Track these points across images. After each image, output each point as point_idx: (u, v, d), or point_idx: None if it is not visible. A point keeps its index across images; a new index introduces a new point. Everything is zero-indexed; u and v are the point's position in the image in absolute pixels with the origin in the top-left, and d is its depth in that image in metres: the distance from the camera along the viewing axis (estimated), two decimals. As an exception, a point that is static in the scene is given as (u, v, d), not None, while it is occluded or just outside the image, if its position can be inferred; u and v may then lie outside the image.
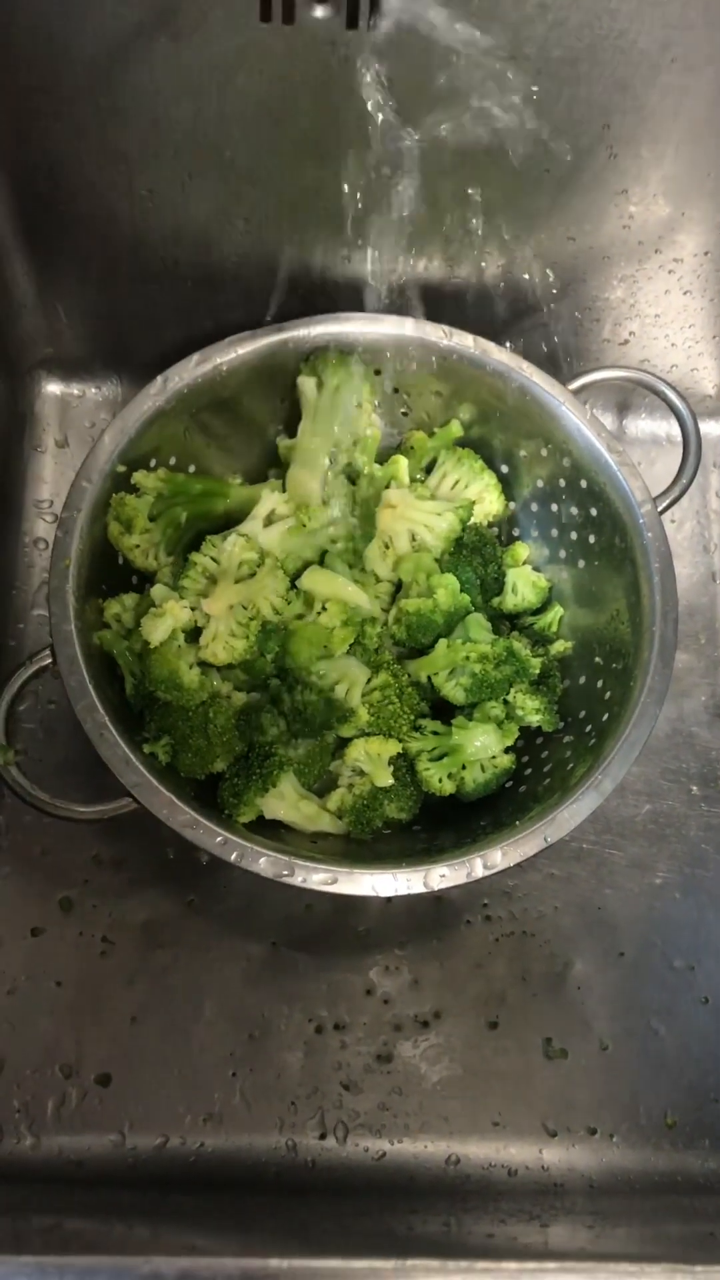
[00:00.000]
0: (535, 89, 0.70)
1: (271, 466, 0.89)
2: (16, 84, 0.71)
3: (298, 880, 0.70)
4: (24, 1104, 0.78)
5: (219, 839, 0.70)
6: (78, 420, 0.96)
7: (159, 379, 0.80)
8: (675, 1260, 0.45)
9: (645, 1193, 0.78)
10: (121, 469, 0.78)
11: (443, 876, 0.71)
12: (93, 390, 0.97)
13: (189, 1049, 0.80)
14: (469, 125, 0.72)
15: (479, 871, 0.71)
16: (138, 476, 0.79)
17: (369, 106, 0.62)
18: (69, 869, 0.84)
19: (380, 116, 0.64)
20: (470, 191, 0.78)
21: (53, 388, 0.96)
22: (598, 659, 0.83)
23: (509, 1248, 0.61)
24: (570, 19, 0.66)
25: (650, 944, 0.86)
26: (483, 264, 0.85)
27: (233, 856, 0.70)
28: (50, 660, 0.74)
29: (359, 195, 0.78)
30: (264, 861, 0.70)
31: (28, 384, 0.95)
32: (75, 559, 0.75)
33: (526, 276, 0.86)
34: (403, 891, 0.70)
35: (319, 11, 0.66)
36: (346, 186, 0.76)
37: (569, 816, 0.73)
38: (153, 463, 0.81)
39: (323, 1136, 0.79)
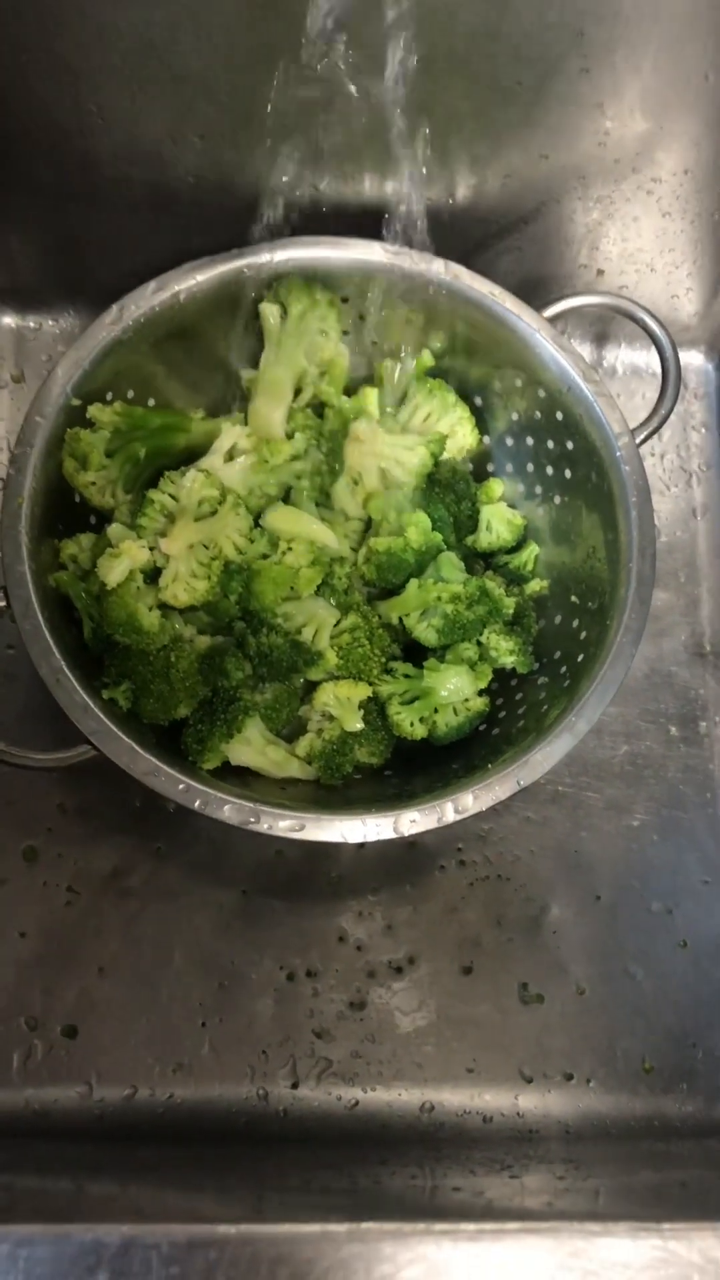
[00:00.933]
0: (504, -8, 0.66)
1: (235, 399, 0.85)
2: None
3: (264, 827, 0.68)
4: (-12, 1057, 0.77)
5: (182, 786, 0.68)
6: (34, 353, 0.92)
7: (114, 308, 0.76)
8: (642, 1217, 0.43)
9: (621, 1138, 0.77)
10: (76, 403, 0.75)
11: (413, 822, 0.69)
12: (49, 322, 0.93)
13: (158, 999, 0.79)
14: (432, 32, 0.68)
15: (450, 816, 0.69)
16: (93, 410, 0.76)
17: (324, 8, 0.57)
18: (34, 818, 0.82)
19: (333, 18, 0.60)
20: (436, 104, 0.74)
21: (7, 320, 0.92)
22: (574, 598, 0.80)
23: (470, 1205, 0.60)
24: None
25: (628, 887, 0.84)
26: (452, 184, 0.81)
27: (196, 804, 0.68)
28: (3, 604, 0.71)
29: (322, 110, 0.74)
30: (228, 809, 0.67)
31: (-19, 316, 0.91)
32: (28, 497, 0.72)
33: (499, 197, 0.82)
34: (372, 837, 0.68)
35: None
36: (307, 100, 0.72)
37: (542, 759, 0.71)
38: (109, 396, 0.78)
39: (295, 1085, 0.78)
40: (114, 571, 0.72)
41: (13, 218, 0.85)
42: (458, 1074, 0.79)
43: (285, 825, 0.68)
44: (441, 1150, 0.75)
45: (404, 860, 0.84)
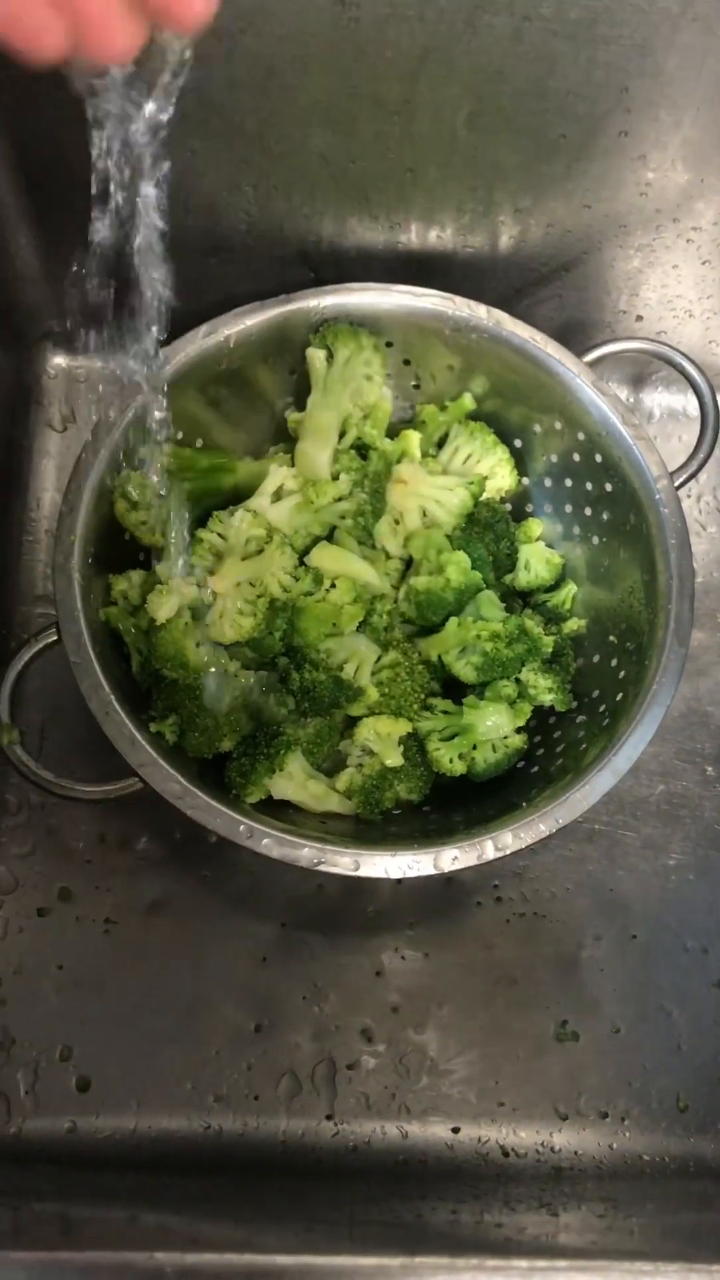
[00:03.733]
0: (551, 50, 0.68)
1: (281, 440, 0.87)
2: (18, 47, 0.70)
3: (304, 861, 0.69)
4: (30, 1085, 0.78)
5: (225, 819, 0.69)
6: (84, 394, 0.95)
7: (164, 351, 0.78)
8: (690, 1258, 0.44)
9: (656, 1178, 0.78)
10: (127, 442, 0.77)
11: (454, 859, 0.70)
12: (99, 364, 0.95)
13: (196, 1030, 0.80)
14: (481, 89, 0.70)
15: (490, 853, 0.70)
16: (144, 452, 0.77)
17: (377, 67, 0.59)
18: (77, 849, 0.83)
19: (387, 78, 0.62)
20: (484, 157, 0.76)
21: (59, 360, 0.95)
22: (612, 637, 0.82)
23: (520, 1242, 0.61)
24: (587, -23, 0.64)
25: (663, 926, 0.85)
26: (496, 232, 0.83)
27: (239, 837, 0.69)
28: (55, 638, 0.73)
29: (370, 162, 0.76)
30: (268, 842, 0.69)
31: (34, 357, 0.94)
32: (80, 535, 0.74)
33: (541, 245, 0.83)
34: (412, 873, 0.69)
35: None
36: (357, 152, 0.74)
37: (582, 798, 0.72)
38: (159, 437, 0.80)
39: (330, 1118, 0.78)
40: (163, 608, 0.74)
41: (67, 260, 0.87)
42: (492, 1110, 0.79)
43: (326, 860, 0.69)
44: (478, 1187, 0.75)
45: (440, 896, 0.85)
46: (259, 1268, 0.42)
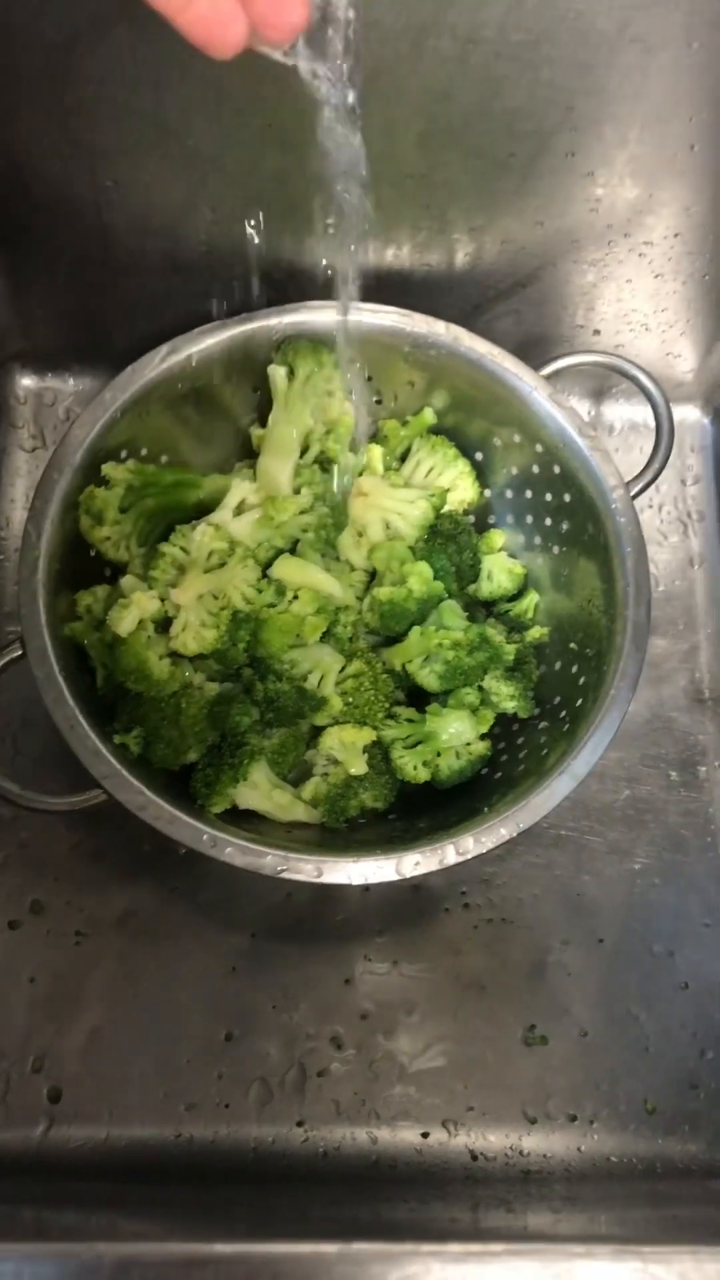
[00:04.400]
0: (496, 72, 0.70)
1: (246, 456, 0.88)
2: (-23, 76, 0.71)
3: (267, 869, 0.69)
4: (1, 1096, 0.78)
5: (188, 829, 0.70)
6: (53, 414, 0.96)
7: (128, 370, 0.79)
8: (625, 1241, 0.44)
9: (623, 1178, 0.78)
10: (91, 460, 0.78)
11: (416, 864, 0.71)
12: (67, 384, 0.97)
13: (167, 1040, 0.80)
14: (431, 108, 0.72)
15: (451, 858, 0.71)
16: (106, 468, 0.79)
17: (322, 91, 0.61)
18: (46, 860, 0.84)
19: (333, 101, 0.63)
20: (436, 176, 0.78)
21: (27, 382, 0.96)
22: (573, 644, 0.83)
23: (460, 1229, 0.61)
24: (527, 1, 0.65)
25: (630, 930, 0.86)
26: (452, 250, 0.84)
27: (203, 846, 0.70)
28: (20, 652, 0.74)
29: (322, 182, 0.77)
30: (231, 850, 0.69)
31: (2, 379, 0.95)
32: (45, 551, 0.75)
33: (496, 262, 0.85)
34: (374, 879, 0.70)
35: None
36: (309, 173, 0.76)
37: (541, 802, 0.73)
38: (124, 454, 0.81)
39: (300, 1124, 0.79)
40: (124, 621, 0.75)
41: (33, 285, 0.89)
42: (461, 1115, 0.80)
43: (290, 867, 0.70)
44: (446, 1189, 0.76)
45: (409, 904, 0.86)
46: (198, 1256, 0.43)
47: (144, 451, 0.83)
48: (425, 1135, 0.79)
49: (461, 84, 0.71)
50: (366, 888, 0.85)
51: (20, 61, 0.70)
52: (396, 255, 0.85)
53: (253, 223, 0.73)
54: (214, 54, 0.52)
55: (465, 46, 0.68)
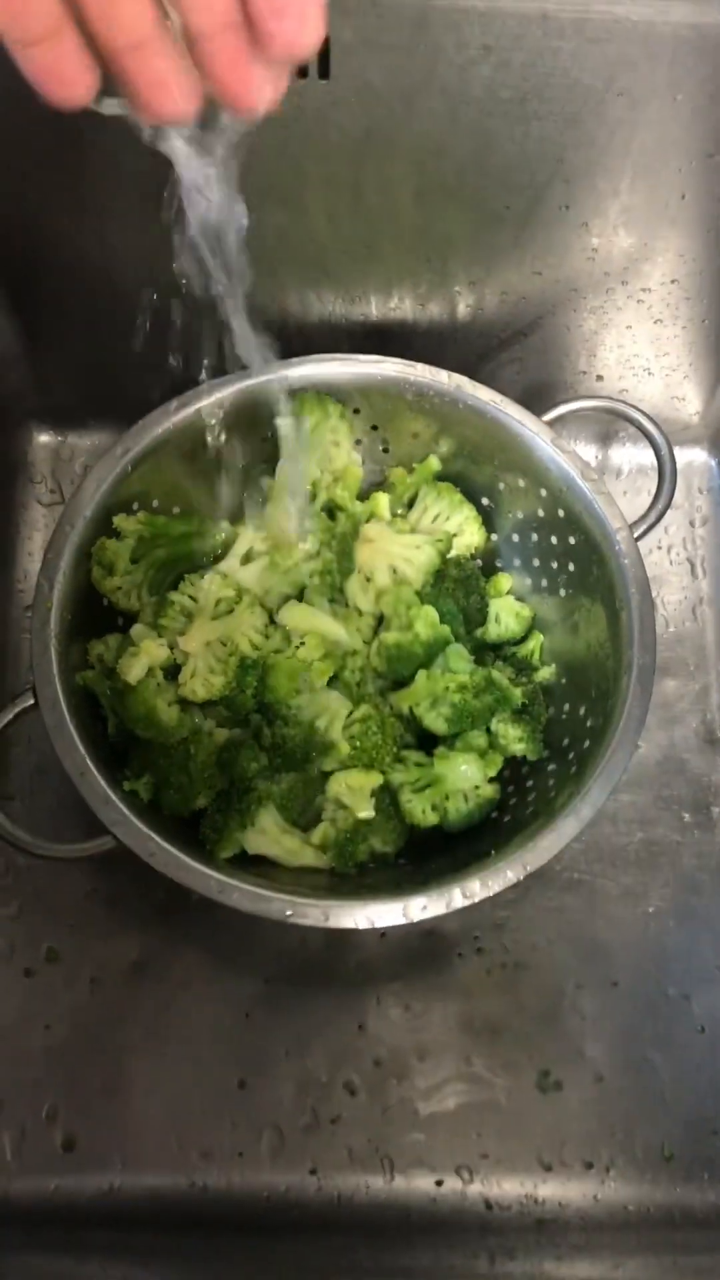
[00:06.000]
0: (487, 127, 0.71)
1: (253, 505, 0.90)
2: (-10, 145, 0.74)
3: (275, 914, 0.70)
4: (16, 1146, 0.78)
5: (197, 875, 0.71)
6: (69, 469, 0.99)
7: (138, 425, 0.81)
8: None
9: (641, 1228, 0.77)
10: (103, 512, 0.80)
11: (423, 908, 0.71)
12: (82, 438, 0.99)
13: (181, 1087, 0.80)
14: (425, 164, 0.74)
15: (458, 901, 0.71)
16: (118, 520, 0.80)
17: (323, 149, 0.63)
18: (63, 909, 0.85)
19: (333, 159, 0.66)
20: (434, 230, 0.79)
21: (44, 437, 0.99)
22: (580, 687, 0.83)
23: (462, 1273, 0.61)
24: (514, 59, 0.67)
25: (645, 973, 0.85)
26: (454, 301, 0.86)
27: (211, 892, 0.70)
28: (33, 701, 0.75)
29: (325, 239, 0.79)
30: (239, 896, 0.70)
31: (19, 435, 0.98)
32: (58, 602, 0.76)
33: (497, 312, 0.87)
34: (381, 924, 0.70)
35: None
36: (312, 230, 0.78)
37: (549, 844, 0.73)
38: (135, 505, 0.83)
39: (313, 1172, 0.79)
40: (133, 669, 0.76)
41: (48, 342, 0.91)
42: (475, 1161, 0.79)
43: (298, 912, 0.70)
44: (459, 1238, 0.75)
45: (422, 949, 0.85)
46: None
47: (156, 503, 0.84)
48: (439, 1183, 0.79)
49: (454, 140, 0.73)
50: (382, 934, 0.85)
51: (31, 128, 0.73)
52: (399, 307, 0.87)
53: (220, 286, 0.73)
54: (54, 102, 0.44)
55: (456, 105, 0.70)
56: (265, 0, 0.41)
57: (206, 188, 0.59)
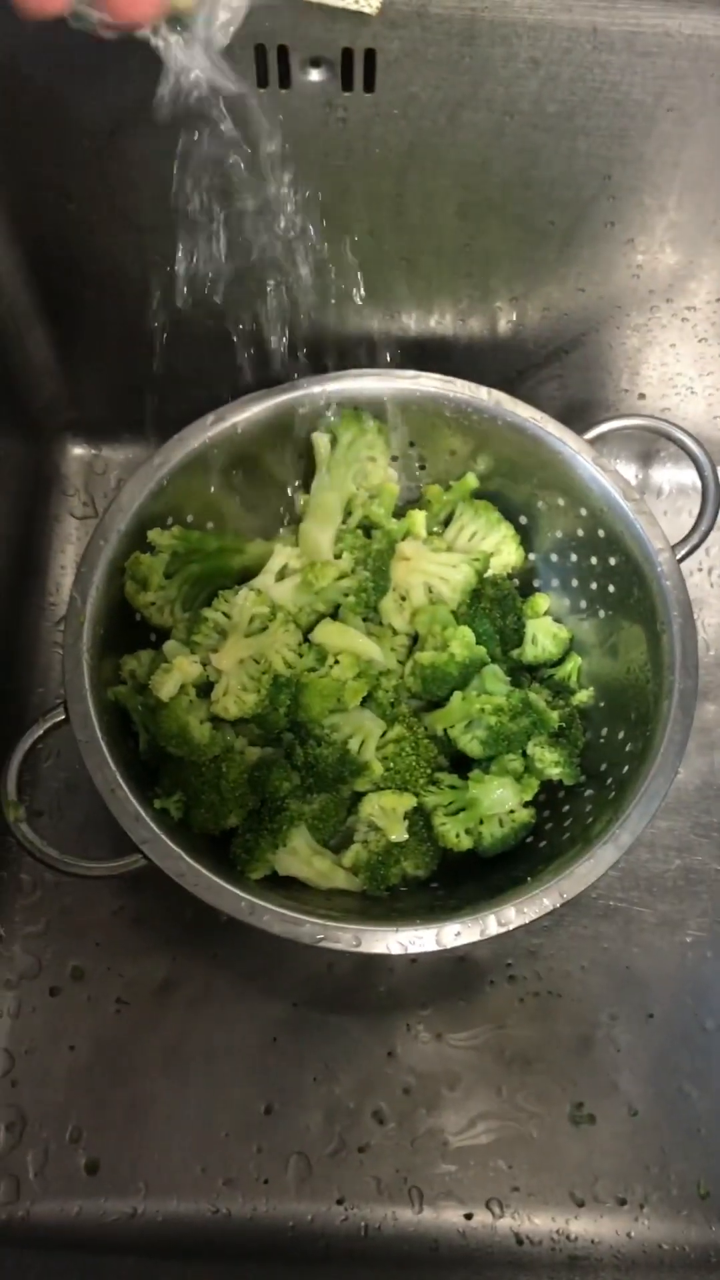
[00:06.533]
0: (533, 142, 0.70)
1: (292, 521, 0.89)
2: (29, 155, 0.74)
3: (305, 938, 0.69)
4: (40, 1167, 0.77)
5: (227, 895, 0.69)
6: (104, 482, 0.98)
7: (174, 439, 0.81)
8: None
9: (676, 1268, 0.75)
10: (137, 527, 0.79)
11: (457, 934, 0.69)
12: (118, 452, 0.98)
13: (206, 1112, 0.79)
14: (470, 179, 0.73)
15: (493, 929, 0.70)
16: (152, 535, 0.80)
17: (367, 163, 0.62)
18: (90, 928, 0.84)
19: (376, 173, 0.65)
20: (476, 245, 0.78)
21: (78, 450, 0.98)
22: (619, 710, 0.81)
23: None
24: (562, 73, 0.66)
25: (681, 1004, 0.83)
26: (495, 317, 0.85)
27: (241, 913, 0.69)
28: (64, 717, 0.74)
29: (366, 253, 0.78)
30: (269, 918, 0.69)
31: (53, 448, 0.97)
32: (90, 616, 0.76)
33: (539, 328, 0.85)
34: (414, 950, 0.69)
35: (314, 75, 0.67)
36: (353, 245, 0.77)
37: (586, 872, 0.71)
38: (170, 520, 0.82)
39: (340, 1202, 0.77)
40: (165, 686, 0.75)
41: (83, 357, 0.91)
42: (506, 1195, 0.77)
43: (328, 936, 0.69)
44: (487, 1273, 0.73)
45: (453, 975, 0.84)
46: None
47: (190, 518, 0.84)
48: (469, 1216, 0.77)
49: (499, 155, 0.72)
50: (413, 959, 0.83)
51: (70, 144, 0.73)
52: (439, 322, 0.86)
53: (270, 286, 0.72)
54: (28, 11, 0.44)
55: (502, 119, 0.69)
56: None
57: (192, 61, 0.57)
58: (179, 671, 0.76)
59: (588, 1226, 0.77)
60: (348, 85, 0.68)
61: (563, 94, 0.68)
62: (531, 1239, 0.76)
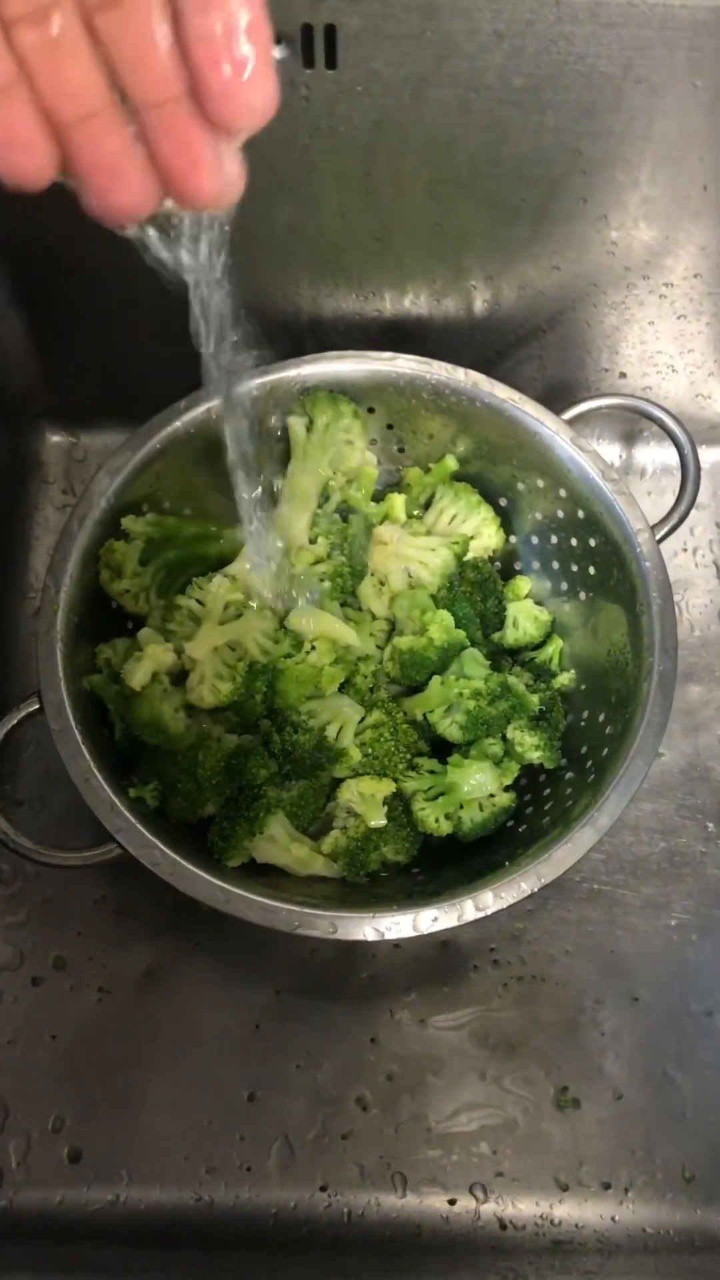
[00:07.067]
0: (500, 118, 0.69)
1: (271, 507, 0.88)
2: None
3: (282, 925, 0.68)
4: (22, 1156, 0.77)
5: (203, 884, 0.69)
6: (83, 469, 0.97)
7: (148, 424, 0.80)
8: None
9: (659, 1252, 0.75)
10: (112, 513, 0.78)
11: (434, 919, 0.69)
12: (97, 439, 0.98)
13: (189, 1100, 0.79)
14: (437, 157, 0.72)
15: (470, 913, 0.69)
16: (126, 522, 0.79)
17: (332, 141, 0.61)
18: (71, 916, 0.84)
19: (342, 151, 0.64)
20: (448, 224, 0.77)
21: (56, 437, 0.98)
22: (600, 693, 0.81)
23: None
24: (527, 46, 0.65)
25: (666, 988, 0.83)
26: (470, 297, 0.84)
27: (217, 902, 0.69)
28: (38, 706, 0.74)
29: (337, 233, 0.78)
30: (246, 906, 0.68)
31: (31, 434, 0.97)
32: (64, 604, 0.75)
33: (515, 308, 0.85)
34: (391, 935, 0.68)
35: (276, 53, 0.66)
36: (323, 224, 0.76)
37: (564, 855, 0.71)
38: (145, 507, 0.81)
39: (324, 1189, 0.77)
40: (136, 675, 0.75)
41: (59, 343, 0.90)
42: (490, 1180, 0.77)
43: (304, 923, 0.69)
44: (472, 1259, 0.73)
45: (437, 960, 0.83)
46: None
47: (166, 504, 0.83)
48: (453, 1202, 0.77)
49: (466, 132, 0.71)
50: (396, 944, 0.83)
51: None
52: (414, 303, 0.85)
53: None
54: (12, 175, 0.39)
55: (467, 94, 0.68)
56: (204, 50, 0.37)
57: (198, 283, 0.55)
58: (150, 660, 0.75)
59: (572, 1211, 0.77)
60: (309, 62, 0.67)
61: (528, 67, 0.66)
62: (515, 1224, 0.76)
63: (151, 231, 0.48)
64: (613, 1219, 0.76)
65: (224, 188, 0.41)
